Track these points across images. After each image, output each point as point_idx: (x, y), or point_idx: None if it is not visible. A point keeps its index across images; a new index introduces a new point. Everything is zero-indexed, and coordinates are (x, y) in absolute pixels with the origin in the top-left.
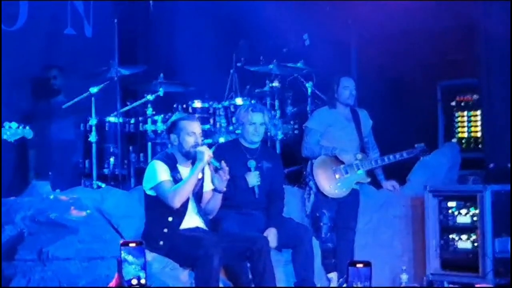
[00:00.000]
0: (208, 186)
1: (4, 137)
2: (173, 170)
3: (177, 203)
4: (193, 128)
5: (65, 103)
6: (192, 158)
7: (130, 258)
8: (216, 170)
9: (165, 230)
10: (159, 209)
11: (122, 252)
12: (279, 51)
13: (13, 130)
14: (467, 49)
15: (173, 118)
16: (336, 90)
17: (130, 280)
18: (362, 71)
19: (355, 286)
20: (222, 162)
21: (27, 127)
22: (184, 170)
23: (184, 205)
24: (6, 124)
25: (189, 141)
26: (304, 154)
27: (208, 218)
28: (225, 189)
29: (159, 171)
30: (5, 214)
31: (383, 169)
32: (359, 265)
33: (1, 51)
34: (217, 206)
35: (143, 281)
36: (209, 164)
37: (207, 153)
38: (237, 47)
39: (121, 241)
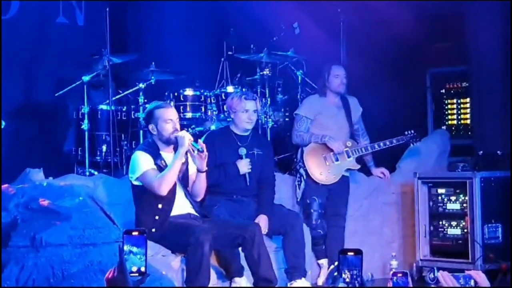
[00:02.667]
0: (192, 169)
1: None
2: (157, 158)
3: (164, 190)
4: (170, 115)
5: None
6: (173, 144)
7: (134, 249)
8: (197, 151)
9: (157, 218)
10: (147, 198)
11: (125, 242)
12: (269, 40)
13: None
14: (456, 36)
15: (149, 107)
16: (327, 78)
17: (130, 268)
18: (351, 59)
19: (345, 274)
20: (199, 140)
21: None
22: (168, 156)
23: (172, 191)
24: None
25: (168, 128)
26: (294, 142)
27: (197, 201)
28: (206, 168)
29: (142, 161)
30: None
31: (373, 156)
32: (350, 253)
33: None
34: (202, 187)
35: (143, 269)
36: (192, 150)
37: (187, 138)
38: (227, 35)
39: (124, 230)
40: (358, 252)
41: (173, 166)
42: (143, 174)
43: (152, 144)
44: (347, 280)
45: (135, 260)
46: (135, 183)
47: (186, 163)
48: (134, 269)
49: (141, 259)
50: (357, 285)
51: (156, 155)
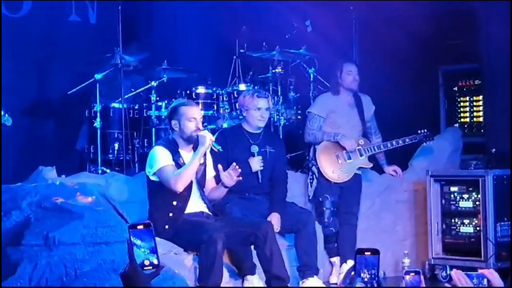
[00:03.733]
0: (210, 173)
1: None
2: (175, 154)
3: (180, 187)
4: (194, 114)
5: None
6: (193, 143)
7: (138, 242)
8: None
9: (171, 215)
10: (163, 194)
11: (131, 236)
12: (281, 37)
13: None
14: (469, 34)
15: (174, 104)
16: (339, 75)
17: (143, 261)
18: (364, 57)
19: (363, 274)
20: (234, 164)
21: (7, 115)
22: (186, 155)
23: (188, 190)
24: None
25: (190, 126)
26: (306, 140)
27: (211, 203)
28: (231, 186)
29: (161, 156)
30: (11, 200)
31: (385, 154)
32: (367, 253)
33: (1, 37)
34: (220, 197)
35: (155, 261)
36: (211, 148)
37: (208, 137)
38: (240, 33)
39: (129, 225)
40: (376, 252)
41: (191, 164)
42: (161, 169)
43: (172, 141)
44: (365, 279)
45: (141, 253)
46: (152, 178)
47: (204, 165)
48: (147, 262)
49: (147, 253)
50: (375, 285)
51: (175, 152)
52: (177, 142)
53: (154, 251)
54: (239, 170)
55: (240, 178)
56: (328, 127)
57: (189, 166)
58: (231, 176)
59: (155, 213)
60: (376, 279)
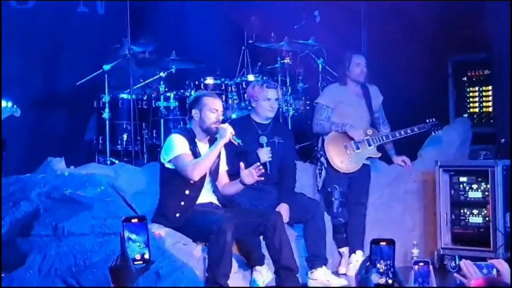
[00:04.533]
0: (223, 167)
1: None
2: (192, 144)
3: (196, 176)
4: (216, 106)
5: None
6: (211, 134)
7: (133, 236)
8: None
9: (182, 203)
10: (176, 183)
11: (125, 229)
12: (290, 28)
13: (2, 108)
14: (478, 23)
15: (197, 93)
16: (348, 67)
17: (134, 256)
18: (372, 47)
19: (379, 264)
20: (258, 164)
21: (15, 106)
22: (202, 145)
23: (202, 180)
24: None
25: (211, 117)
26: (315, 130)
27: (221, 195)
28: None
29: (179, 144)
30: (21, 191)
31: (394, 144)
32: (383, 243)
33: (1, 28)
34: (236, 193)
35: (147, 256)
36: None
37: (229, 130)
38: (248, 24)
39: (123, 218)
40: (391, 242)
41: (209, 154)
42: (178, 157)
43: (189, 130)
44: (381, 270)
45: (136, 247)
46: (167, 165)
47: (218, 158)
48: (138, 256)
49: (142, 247)
50: (390, 276)
51: (192, 141)
52: (195, 132)
53: (147, 245)
54: (262, 170)
55: (262, 178)
56: (336, 117)
57: (207, 156)
58: (252, 175)
59: (167, 201)
60: (391, 269)
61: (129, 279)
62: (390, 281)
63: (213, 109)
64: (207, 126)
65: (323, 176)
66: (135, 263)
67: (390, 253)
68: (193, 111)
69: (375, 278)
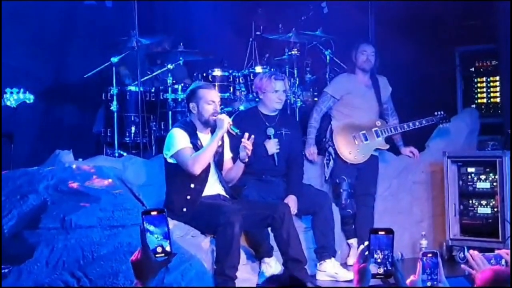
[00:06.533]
0: (227, 154)
1: (8, 103)
2: (193, 137)
3: (197, 170)
4: (212, 97)
5: None
6: (211, 126)
7: (152, 227)
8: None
9: (188, 197)
10: (180, 177)
11: (144, 221)
12: (298, 19)
13: (14, 95)
14: (485, 14)
15: (192, 86)
16: (354, 55)
17: (155, 248)
18: (380, 38)
19: (376, 254)
20: (246, 134)
21: (27, 92)
22: (204, 137)
23: (206, 172)
24: (8, 90)
25: (208, 109)
26: (311, 114)
27: (228, 185)
28: (247, 159)
29: (179, 138)
30: (28, 184)
31: (402, 135)
32: (381, 233)
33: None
34: (238, 174)
35: (168, 248)
36: (228, 131)
37: (226, 121)
38: (256, 15)
39: (142, 211)
40: (389, 232)
41: (209, 146)
42: (178, 152)
43: (190, 123)
44: (379, 260)
45: (155, 240)
46: (170, 160)
47: (222, 147)
48: (159, 249)
49: (162, 239)
50: (388, 266)
51: (193, 134)
52: (195, 124)
53: (167, 237)
54: (252, 136)
55: (251, 147)
56: (345, 108)
57: (206, 149)
58: (245, 147)
59: (173, 195)
60: (389, 260)
61: (151, 272)
62: (387, 271)
63: (209, 101)
64: (206, 118)
65: (330, 166)
66: (157, 255)
67: (388, 242)
68: (191, 104)
69: (373, 268)
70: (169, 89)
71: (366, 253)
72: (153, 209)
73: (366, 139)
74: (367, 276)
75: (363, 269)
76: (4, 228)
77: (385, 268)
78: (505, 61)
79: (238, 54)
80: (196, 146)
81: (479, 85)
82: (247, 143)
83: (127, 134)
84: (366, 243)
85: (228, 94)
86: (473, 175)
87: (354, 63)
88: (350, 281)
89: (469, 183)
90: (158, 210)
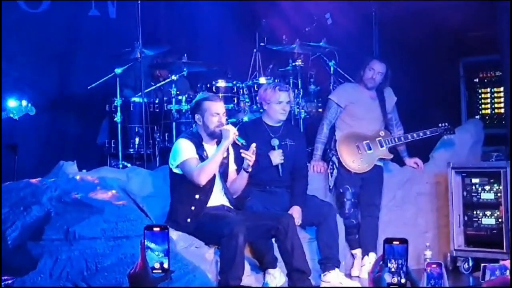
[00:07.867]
0: (232, 167)
1: (10, 115)
2: (199, 148)
3: (203, 180)
4: (217, 109)
5: None
6: (217, 137)
7: (152, 245)
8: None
9: (193, 208)
10: (185, 187)
11: (146, 237)
12: (301, 30)
13: (17, 108)
14: (489, 25)
15: (197, 98)
16: (363, 68)
17: (153, 265)
18: (384, 49)
19: (391, 264)
20: (253, 145)
21: (29, 104)
22: (209, 148)
23: (211, 183)
24: (10, 99)
25: (213, 121)
26: (320, 126)
27: (233, 197)
28: (250, 169)
29: (185, 149)
30: (32, 195)
31: (407, 146)
32: (395, 242)
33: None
34: (242, 185)
35: (166, 265)
36: (234, 141)
37: (232, 131)
38: (260, 26)
39: (145, 226)
40: (404, 241)
41: (214, 157)
42: (184, 162)
43: (196, 134)
44: (393, 270)
45: (157, 257)
46: (175, 171)
47: (227, 158)
48: (157, 265)
49: (162, 257)
50: (402, 276)
51: (198, 145)
52: (201, 135)
53: (167, 254)
54: (254, 146)
55: (253, 157)
56: (348, 118)
57: (212, 160)
58: (248, 155)
59: (177, 206)
60: (403, 269)
61: (147, 287)
62: (402, 280)
63: (214, 113)
64: (211, 130)
65: (334, 175)
66: (154, 271)
67: (402, 252)
68: (196, 116)
69: (387, 277)
70: (173, 100)
71: (381, 262)
72: (156, 225)
73: (370, 149)
74: (381, 285)
75: (378, 278)
76: (7, 240)
77: (399, 278)
78: (509, 72)
79: (242, 65)
80: (202, 157)
81: (483, 95)
82: (247, 154)
83: (131, 145)
84: (371, 254)
85: (232, 105)
86: (477, 186)
87: (361, 76)
88: None
89: (473, 194)
90: (161, 227)
